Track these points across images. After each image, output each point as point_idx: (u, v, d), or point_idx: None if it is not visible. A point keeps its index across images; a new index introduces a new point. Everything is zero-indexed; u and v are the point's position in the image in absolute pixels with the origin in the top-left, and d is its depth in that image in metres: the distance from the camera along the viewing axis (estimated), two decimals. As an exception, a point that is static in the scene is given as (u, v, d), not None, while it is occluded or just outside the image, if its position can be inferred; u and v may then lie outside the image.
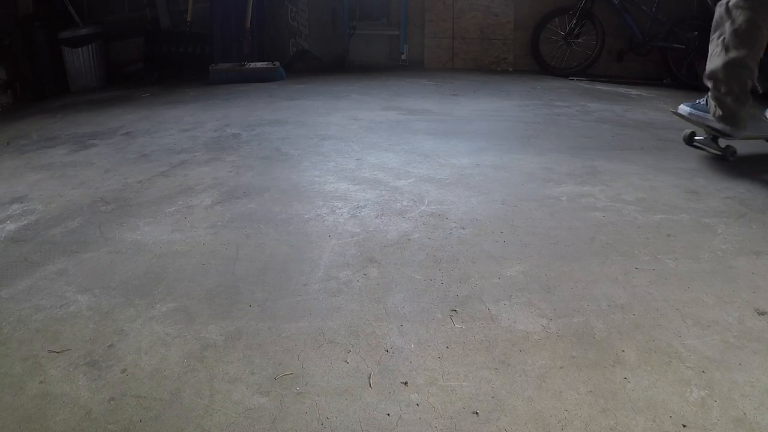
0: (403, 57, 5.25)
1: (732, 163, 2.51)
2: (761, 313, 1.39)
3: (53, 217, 2.00)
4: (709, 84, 2.44)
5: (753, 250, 1.72)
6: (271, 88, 4.30)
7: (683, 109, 2.66)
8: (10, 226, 1.94)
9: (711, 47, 2.44)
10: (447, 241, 1.78)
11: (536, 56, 5.01)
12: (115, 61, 5.13)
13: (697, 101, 2.61)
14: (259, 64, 4.64)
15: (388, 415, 1.06)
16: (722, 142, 2.60)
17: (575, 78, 4.82)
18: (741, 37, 2.32)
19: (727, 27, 2.35)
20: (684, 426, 1.04)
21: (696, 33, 4.33)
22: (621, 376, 1.17)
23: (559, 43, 4.93)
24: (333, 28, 5.01)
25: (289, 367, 1.20)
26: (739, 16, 2.32)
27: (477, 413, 1.07)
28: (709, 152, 2.65)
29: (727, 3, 2.36)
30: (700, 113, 2.54)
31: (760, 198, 2.12)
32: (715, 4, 2.42)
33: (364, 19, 5.33)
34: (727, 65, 2.34)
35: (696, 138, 2.76)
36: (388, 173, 2.38)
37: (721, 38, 2.38)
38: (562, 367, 1.19)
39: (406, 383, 1.15)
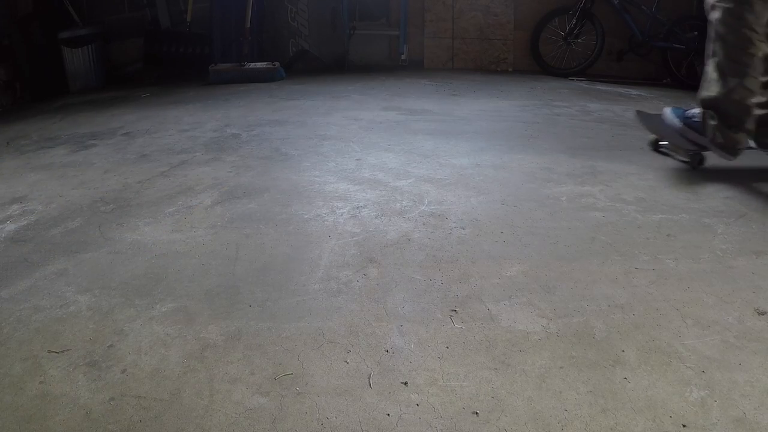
0: (403, 57, 5.25)
1: (732, 163, 2.51)
2: (761, 313, 1.39)
3: (53, 218, 2.00)
4: (709, 113, 2.20)
5: (753, 250, 1.71)
6: (270, 88, 4.30)
7: (670, 119, 2.41)
8: (10, 227, 1.94)
9: (706, 68, 2.19)
10: (447, 241, 1.78)
11: (536, 56, 5.01)
12: (115, 61, 5.14)
13: (688, 113, 2.36)
14: (258, 64, 4.65)
15: (388, 415, 1.06)
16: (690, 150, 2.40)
17: (575, 78, 4.82)
18: (734, 55, 2.04)
19: (718, 47, 2.08)
20: (684, 426, 1.04)
21: (696, 33, 4.33)
22: (621, 376, 1.17)
23: (559, 43, 4.93)
24: (333, 28, 5.01)
25: (289, 367, 1.20)
26: (722, 26, 2.02)
27: (477, 413, 1.07)
28: (675, 159, 2.50)
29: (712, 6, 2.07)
30: (696, 134, 2.31)
31: (760, 198, 2.12)
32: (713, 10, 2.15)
33: (364, 19, 5.33)
34: (729, 96, 2.09)
35: (661, 143, 2.61)
36: (388, 173, 2.38)
37: (715, 58, 2.11)
38: (562, 367, 1.19)
39: (406, 383, 1.15)
